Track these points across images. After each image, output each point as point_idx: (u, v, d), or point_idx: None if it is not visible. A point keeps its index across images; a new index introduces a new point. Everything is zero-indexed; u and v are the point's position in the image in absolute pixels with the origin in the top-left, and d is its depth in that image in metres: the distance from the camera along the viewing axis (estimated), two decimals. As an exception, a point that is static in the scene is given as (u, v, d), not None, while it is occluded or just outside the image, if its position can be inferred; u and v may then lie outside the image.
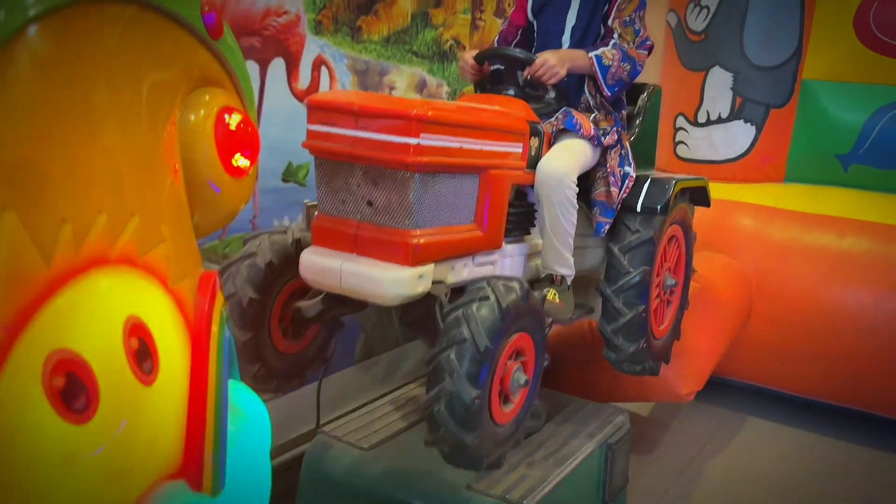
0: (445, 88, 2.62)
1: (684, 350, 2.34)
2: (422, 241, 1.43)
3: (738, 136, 3.17)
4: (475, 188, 1.58)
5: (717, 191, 3.16)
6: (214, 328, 0.67)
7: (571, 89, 1.89)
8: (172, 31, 0.73)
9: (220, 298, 0.71)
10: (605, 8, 1.86)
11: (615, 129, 1.87)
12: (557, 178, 1.70)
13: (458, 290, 1.52)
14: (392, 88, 2.41)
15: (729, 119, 3.17)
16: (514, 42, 2.00)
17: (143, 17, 0.68)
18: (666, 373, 2.23)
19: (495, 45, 2.01)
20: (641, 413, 2.89)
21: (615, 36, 1.82)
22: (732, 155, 3.19)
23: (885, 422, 2.78)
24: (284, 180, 2.08)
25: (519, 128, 1.68)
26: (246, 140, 0.83)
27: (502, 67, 1.87)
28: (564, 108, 1.84)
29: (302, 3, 2.05)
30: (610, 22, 1.84)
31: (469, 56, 1.87)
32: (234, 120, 0.82)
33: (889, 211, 2.88)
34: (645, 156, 2.14)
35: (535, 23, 1.97)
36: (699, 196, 2.12)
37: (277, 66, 2.02)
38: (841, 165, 3.07)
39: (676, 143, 3.30)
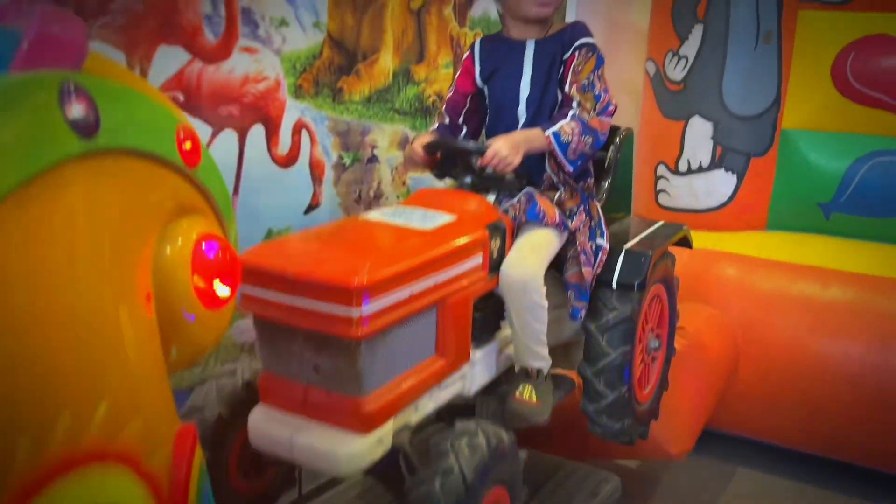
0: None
1: (673, 409, 2.29)
2: (377, 404, 1.30)
3: (720, 184, 3.15)
4: (433, 323, 1.45)
5: (699, 240, 3.14)
6: (192, 496, 0.61)
7: (532, 167, 1.73)
8: (149, 169, 0.68)
9: (198, 454, 0.65)
10: (560, 72, 1.71)
11: (582, 207, 1.74)
12: (523, 285, 1.57)
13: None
14: (374, 147, 2.36)
15: (710, 168, 3.15)
16: (465, 110, 1.82)
17: (120, 165, 0.63)
18: (656, 433, 2.17)
19: (444, 116, 1.84)
20: (631, 466, 2.84)
21: (574, 104, 1.66)
22: (714, 204, 3.17)
23: (872, 474, 2.74)
24: (265, 248, 2.02)
25: (478, 238, 1.52)
26: (225, 268, 0.78)
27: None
28: (526, 189, 1.69)
29: (281, 68, 2.00)
30: (567, 89, 1.68)
31: (418, 146, 1.70)
32: (212, 248, 0.76)
33: (872, 261, 2.87)
34: (621, 201, 2.07)
35: (485, 89, 1.81)
36: (680, 240, 2.04)
37: (257, 132, 1.97)
38: (822, 213, 3.06)
39: (658, 192, 3.28)
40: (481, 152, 1.59)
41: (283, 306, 1.26)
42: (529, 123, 1.72)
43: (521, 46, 1.73)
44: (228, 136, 1.89)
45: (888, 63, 2.87)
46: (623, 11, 3.71)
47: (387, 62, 2.34)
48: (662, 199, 3.27)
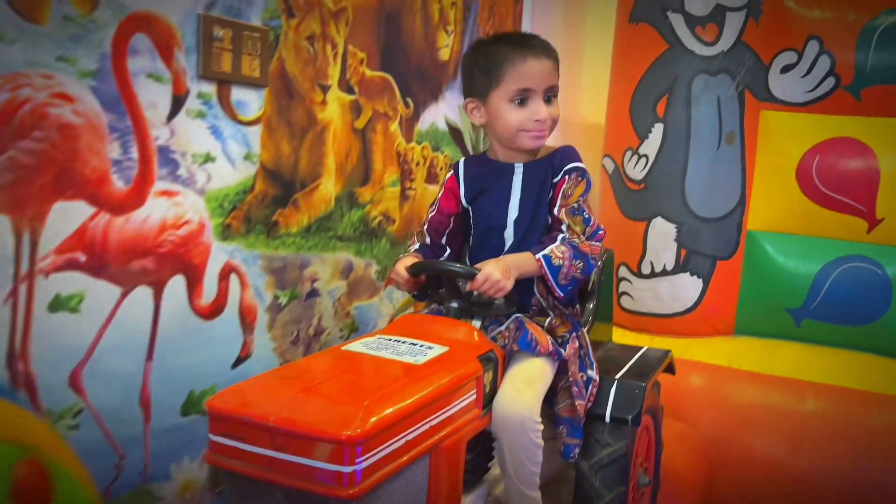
0: (375, 268, 2.35)
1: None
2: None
3: (685, 288, 2.98)
4: (426, 472, 1.28)
5: (664, 346, 2.97)
6: None
7: (522, 292, 1.65)
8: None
9: None
10: (550, 196, 1.65)
11: (573, 334, 1.63)
12: (520, 423, 1.44)
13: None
14: (315, 280, 2.12)
15: (674, 271, 2.98)
16: (448, 230, 1.75)
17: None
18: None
19: (425, 236, 1.76)
20: None
21: (563, 227, 1.61)
22: (680, 308, 2.99)
23: None
24: (184, 414, 1.75)
25: (471, 372, 1.40)
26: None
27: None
28: (515, 316, 1.61)
29: (206, 208, 1.76)
30: (556, 211, 1.63)
31: (402, 268, 1.60)
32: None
33: (848, 371, 2.71)
34: (603, 313, 1.98)
35: (470, 209, 1.74)
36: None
37: (176, 283, 1.72)
38: (793, 320, 2.89)
39: (620, 294, 3.09)
40: (471, 276, 1.51)
41: (263, 458, 1.11)
42: (516, 247, 1.67)
43: (510, 169, 1.69)
44: (141, 294, 1.63)
45: (855, 167, 2.75)
46: (575, 105, 3.57)
47: (328, 188, 2.11)
48: (625, 302, 3.09)
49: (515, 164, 1.68)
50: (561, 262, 1.56)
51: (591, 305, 1.81)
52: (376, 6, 2.17)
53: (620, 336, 3.04)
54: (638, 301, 3.05)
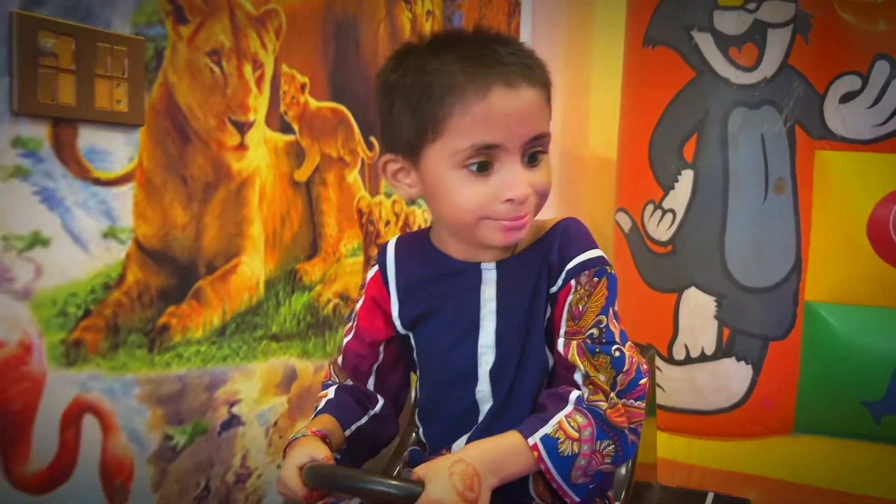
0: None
1: None
2: None
3: (731, 377, 2.34)
4: None
5: (707, 451, 2.33)
6: None
7: (509, 493, 0.90)
8: None
9: None
10: (547, 317, 0.93)
11: None
12: None
13: None
14: (234, 403, 1.45)
15: (716, 357, 2.34)
16: (377, 366, 1.02)
17: None
18: None
19: (340, 375, 1.05)
20: None
21: (577, 378, 0.89)
22: (725, 403, 2.35)
23: None
24: None
25: None
26: None
27: None
28: None
29: (35, 320, 1.09)
30: (562, 348, 0.90)
31: (294, 478, 0.86)
32: None
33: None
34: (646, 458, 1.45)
35: (411, 337, 1.02)
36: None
37: (-22, 447, 1.04)
38: (871, 415, 2.25)
39: (655, 387, 2.44)
40: (411, 498, 0.80)
41: None
42: (496, 415, 0.95)
43: (474, 275, 0.96)
44: None
45: (945, 219, 2.15)
46: (579, 138, 2.97)
47: (252, 269, 1.45)
48: (656, 395, 2.43)
49: (483, 266, 0.96)
50: (576, 447, 0.86)
51: (626, 469, 1.15)
52: (321, 12, 1.54)
53: (650, 439, 2.39)
54: (671, 394, 2.40)
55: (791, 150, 2.29)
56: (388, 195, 1.82)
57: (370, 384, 1.04)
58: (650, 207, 2.42)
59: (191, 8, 1.27)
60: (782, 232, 2.30)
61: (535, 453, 0.85)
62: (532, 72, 0.88)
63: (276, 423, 1.54)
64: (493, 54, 0.86)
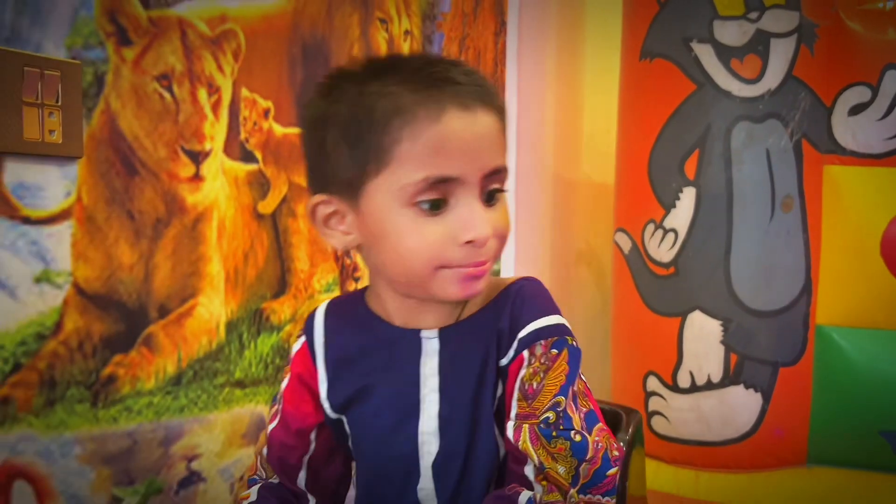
0: (303, 412, 1.56)
1: None
2: None
3: (739, 406, 2.21)
4: None
5: (719, 487, 2.20)
6: None
7: None
8: None
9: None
10: (499, 395, 0.79)
11: None
12: None
13: None
14: (193, 458, 1.33)
15: (723, 384, 2.21)
16: (307, 457, 0.87)
17: None
18: None
19: (267, 469, 0.88)
20: None
21: (529, 471, 0.74)
22: (733, 434, 2.21)
23: None
24: None
25: None
26: None
27: None
28: None
29: (-50, 379, 0.97)
30: (512, 433, 0.76)
31: None
32: None
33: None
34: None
35: (344, 422, 0.87)
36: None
37: None
38: (889, 445, 2.12)
39: (650, 415, 2.31)
40: None
41: None
42: None
43: (413, 345, 0.81)
44: None
45: (964, 237, 2.02)
46: (573, 158, 2.85)
47: (212, 310, 1.33)
48: (658, 424, 2.29)
49: (423, 335, 0.82)
50: None
51: None
52: (286, 33, 1.43)
53: (654, 473, 2.26)
54: (676, 424, 2.26)
55: (798, 165, 2.16)
56: (368, 222, 1.69)
57: (300, 480, 0.87)
58: (651, 227, 2.30)
59: (135, 29, 1.16)
60: (791, 252, 2.18)
61: None
62: (488, 94, 0.75)
63: (241, 478, 1.41)
64: (444, 72, 0.73)
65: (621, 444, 0.79)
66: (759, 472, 2.21)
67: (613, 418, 1.14)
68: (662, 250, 2.28)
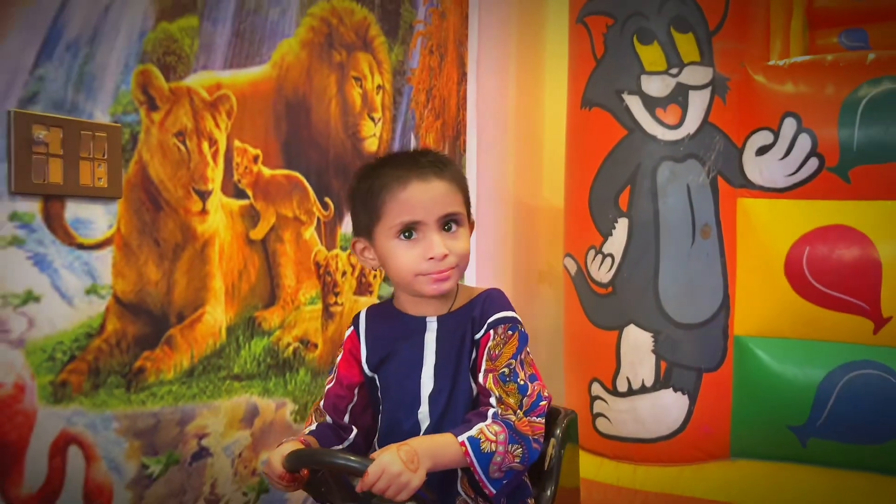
0: (290, 407, 1.88)
1: None
2: None
3: (669, 407, 2.53)
4: None
5: (651, 476, 2.51)
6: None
7: (441, 484, 1.20)
8: None
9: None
10: (473, 358, 1.24)
11: None
12: None
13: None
14: (202, 436, 1.65)
15: (655, 388, 2.54)
16: (350, 406, 1.31)
17: None
18: None
19: (323, 414, 1.30)
20: None
21: (492, 401, 1.18)
22: (665, 431, 2.53)
23: None
24: None
25: None
26: None
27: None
28: None
29: (28, 365, 1.30)
30: (482, 379, 1.21)
31: (277, 461, 1.14)
32: None
33: (869, 501, 2.27)
34: (567, 498, 1.53)
35: (376, 378, 1.31)
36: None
37: (-21, 471, 1.24)
38: (798, 439, 2.44)
39: (595, 416, 2.63)
40: (360, 471, 1.05)
41: None
42: (433, 430, 1.24)
43: (420, 326, 1.28)
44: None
45: (851, 258, 2.36)
46: (533, 189, 3.21)
47: (216, 317, 1.67)
48: (602, 425, 2.62)
49: (427, 319, 1.28)
50: (493, 446, 1.12)
51: (550, 491, 1.35)
52: (270, 95, 1.78)
53: (598, 467, 2.58)
54: (616, 424, 2.59)
55: (714, 198, 2.51)
56: (344, 248, 2.04)
57: (345, 419, 1.30)
58: (592, 252, 2.64)
59: (160, 97, 1.51)
60: (710, 272, 2.51)
61: (463, 448, 1.11)
62: (443, 170, 1.23)
63: (240, 455, 1.74)
64: (412, 161, 1.23)
65: (550, 394, 1.23)
66: (689, 465, 2.52)
67: (553, 414, 1.47)
68: (602, 272, 2.62)
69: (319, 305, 1.96)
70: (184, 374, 1.59)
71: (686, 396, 2.52)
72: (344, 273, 2.03)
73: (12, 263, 1.28)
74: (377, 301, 2.03)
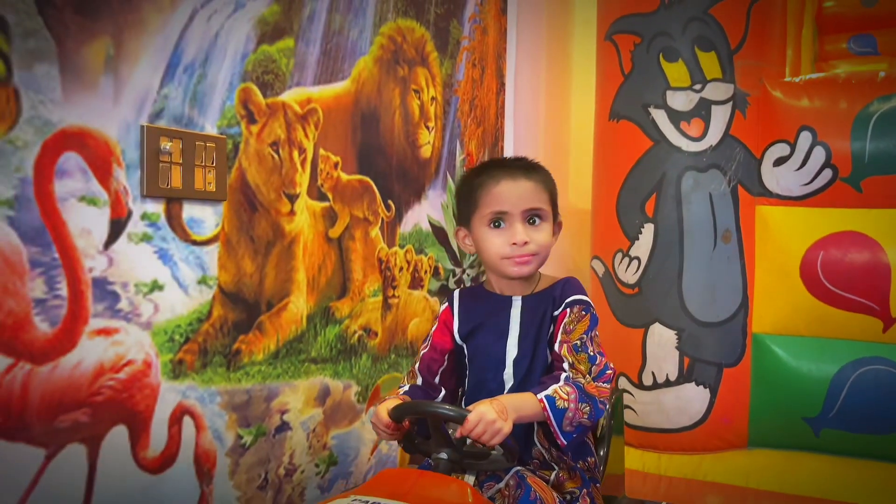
0: (355, 389, 2.08)
1: None
2: None
3: (692, 400, 2.72)
4: None
5: (674, 464, 2.70)
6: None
7: (520, 441, 1.41)
8: None
9: None
10: (551, 331, 1.44)
11: (584, 491, 1.39)
12: None
13: None
14: (284, 412, 1.85)
15: (678, 382, 2.73)
16: (441, 369, 1.52)
17: None
18: None
19: (416, 376, 1.51)
20: None
21: (565, 367, 1.38)
22: (687, 422, 2.73)
23: None
24: None
25: None
26: None
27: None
28: (515, 470, 1.37)
29: (153, 344, 1.51)
30: (557, 349, 1.41)
31: (384, 412, 1.34)
32: None
33: (877, 487, 2.45)
34: (615, 463, 1.76)
35: (464, 346, 1.52)
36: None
37: (117, 435, 1.44)
38: (811, 429, 2.64)
39: (623, 408, 2.82)
40: (461, 418, 1.24)
41: None
42: (517, 389, 1.44)
43: (507, 302, 1.50)
44: (72, 455, 1.36)
45: (862, 262, 2.56)
46: (561, 197, 3.40)
47: (298, 306, 1.87)
48: (628, 416, 2.82)
49: (513, 298, 1.49)
50: (566, 404, 1.32)
51: (602, 453, 1.56)
52: (350, 107, 2.00)
53: (626, 455, 2.77)
54: (642, 415, 2.78)
55: (735, 205, 2.70)
56: (402, 246, 2.24)
57: (435, 380, 1.52)
58: (619, 255, 2.84)
59: (259, 112, 1.72)
60: (730, 274, 2.71)
61: (542, 404, 1.31)
62: (530, 171, 1.46)
63: (314, 430, 1.94)
64: (506, 163, 1.49)
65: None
66: (710, 453, 2.71)
67: None
68: (629, 274, 2.82)
69: (380, 297, 2.16)
70: (270, 356, 1.79)
71: (707, 390, 2.71)
72: (401, 269, 2.24)
73: (143, 257, 1.48)
74: (428, 293, 2.24)
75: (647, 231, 2.76)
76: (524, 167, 1.46)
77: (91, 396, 1.37)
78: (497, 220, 1.42)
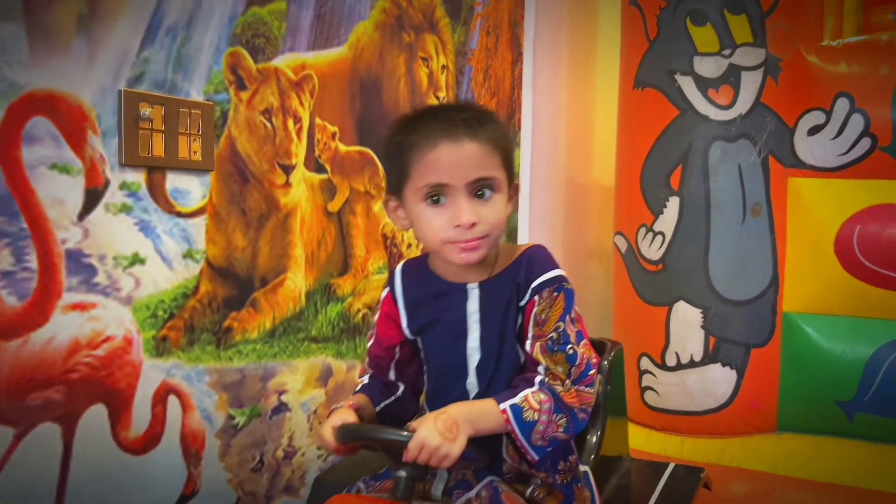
0: (359, 369, 2.01)
1: None
2: None
3: (717, 381, 2.60)
4: None
5: (698, 448, 2.59)
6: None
7: (490, 444, 1.17)
8: None
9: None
10: (519, 323, 1.17)
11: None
12: None
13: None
14: (282, 392, 1.78)
15: (703, 363, 2.61)
16: (394, 362, 1.26)
17: None
18: None
19: (367, 372, 1.30)
20: None
21: (540, 370, 1.13)
22: (713, 405, 2.61)
23: None
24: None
25: None
26: None
27: None
28: (488, 478, 1.18)
29: (134, 320, 1.44)
30: (529, 348, 1.15)
31: (328, 435, 1.12)
32: None
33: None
34: (616, 405, 1.67)
35: (418, 341, 1.26)
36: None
37: (95, 415, 1.38)
38: (844, 414, 2.50)
39: (644, 390, 2.72)
40: (402, 445, 1.05)
41: None
42: (482, 397, 1.18)
43: (461, 293, 1.18)
44: (45, 434, 1.30)
45: (902, 237, 2.41)
46: (584, 168, 3.28)
47: (296, 283, 1.79)
48: (650, 398, 2.71)
49: (468, 286, 1.18)
50: (536, 415, 1.09)
51: (598, 433, 1.44)
52: (348, 74, 1.90)
53: (646, 439, 2.66)
54: (664, 397, 2.67)
55: (765, 177, 2.56)
56: (408, 222, 2.14)
57: (391, 376, 1.27)
58: (643, 230, 2.72)
59: (248, 78, 1.63)
60: (760, 250, 2.57)
61: (504, 416, 1.08)
62: (477, 129, 1.10)
63: (315, 411, 1.87)
64: (447, 117, 1.11)
65: (599, 356, 1.22)
66: (736, 438, 2.60)
67: (599, 347, 1.57)
68: (652, 250, 2.70)
69: (385, 275, 2.07)
70: (266, 335, 1.72)
71: (734, 371, 2.59)
72: (409, 245, 2.15)
73: (122, 228, 1.41)
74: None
75: (672, 205, 2.64)
76: (467, 122, 1.10)
77: (66, 373, 1.31)
78: (435, 195, 1.10)
